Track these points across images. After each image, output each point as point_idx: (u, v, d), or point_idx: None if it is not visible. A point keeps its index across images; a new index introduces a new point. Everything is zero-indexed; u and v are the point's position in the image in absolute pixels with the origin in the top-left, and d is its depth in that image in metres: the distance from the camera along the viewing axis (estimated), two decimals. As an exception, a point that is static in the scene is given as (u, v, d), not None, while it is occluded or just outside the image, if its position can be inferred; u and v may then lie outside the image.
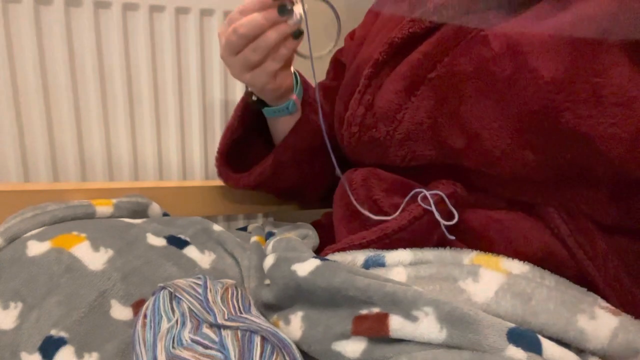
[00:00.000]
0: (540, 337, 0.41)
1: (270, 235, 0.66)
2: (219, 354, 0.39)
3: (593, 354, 0.43)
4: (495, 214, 0.52)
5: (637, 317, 0.44)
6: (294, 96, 0.63)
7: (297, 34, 0.57)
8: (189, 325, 0.42)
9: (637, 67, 0.44)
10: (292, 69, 0.66)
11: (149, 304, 0.46)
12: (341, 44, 0.80)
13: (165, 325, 0.43)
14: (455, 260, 0.49)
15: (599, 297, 0.47)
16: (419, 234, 0.51)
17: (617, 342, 0.43)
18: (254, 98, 0.68)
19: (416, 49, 0.54)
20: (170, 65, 0.85)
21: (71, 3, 0.77)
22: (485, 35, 0.49)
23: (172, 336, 0.41)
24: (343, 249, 0.55)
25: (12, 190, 0.66)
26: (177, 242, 0.59)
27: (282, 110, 0.67)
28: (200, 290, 0.47)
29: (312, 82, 0.61)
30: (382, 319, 0.42)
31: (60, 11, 0.76)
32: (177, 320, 0.43)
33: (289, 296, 0.50)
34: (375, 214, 0.54)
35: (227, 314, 0.44)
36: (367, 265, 0.52)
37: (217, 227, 0.65)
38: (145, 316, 0.45)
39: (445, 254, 0.50)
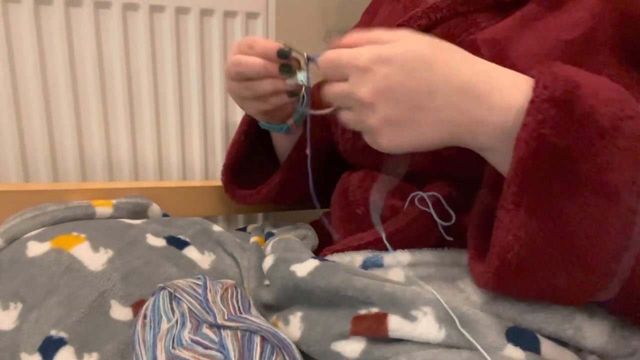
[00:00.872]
0: (539, 335, 0.41)
1: (269, 235, 0.66)
2: (218, 354, 0.39)
3: (591, 352, 0.43)
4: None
5: None
6: (290, 122, 0.60)
7: (293, 94, 0.55)
8: (188, 325, 0.43)
9: (625, 67, 0.44)
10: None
11: (149, 304, 0.46)
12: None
13: (165, 325, 0.43)
14: (454, 261, 0.50)
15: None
16: (417, 235, 0.51)
17: (615, 340, 0.43)
18: None
19: None
20: (170, 65, 0.85)
21: (71, 3, 0.77)
22: (474, 39, 0.49)
23: (172, 336, 0.41)
24: (342, 250, 0.55)
25: (12, 190, 0.66)
26: (177, 243, 0.59)
27: (277, 129, 0.65)
28: (200, 291, 0.47)
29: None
30: (381, 318, 0.43)
31: (60, 11, 0.76)
32: (177, 321, 0.43)
33: (288, 296, 0.51)
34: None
35: (227, 314, 0.44)
36: (366, 266, 0.52)
37: (216, 228, 0.65)
38: (145, 316, 0.45)
39: (444, 254, 0.50)
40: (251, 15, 0.89)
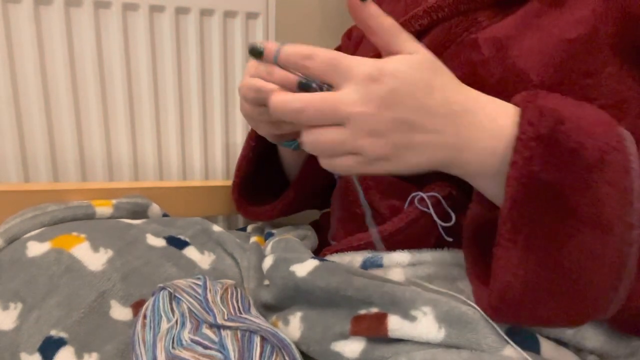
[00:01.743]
0: (538, 336, 0.41)
1: (269, 235, 0.66)
2: (218, 354, 0.39)
3: (591, 352, 0.43)
4: (493, 214, 0.52)
5: None
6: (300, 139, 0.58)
7: None
8: (188, 325, 0.43)
9: (627, 66, 0.44)
10: None
11: (149, 304, 0.46)
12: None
13: (165, 325, 0.43)
14: (454, 261, 0.50)
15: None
16: (417, 236, 0.51)
17: (614, 341, 0.43)
18: None
19: None
20: (170, 65, 0.85)
21: (71, 3, 0.77)
22: (475, 38, 0.49)
23: (172, 336, 0.41)
24: (341, 250, 0.55)
25: (12, 190, 0.66)
26: (177, 243, 0.59)
27: (288, 146, 0.62)
28: (200, 291, 0.47)
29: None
30: (381, 318, 0.43)
31: (60, 11, 0.76)
32: (176, 321, 0.43)
33: (288, 297, 0.51)
34: (372, 215, 0.54)
35: (227, 314, 0.44)
36: (365, 266, 0.52)
37: (216, 228, 0.65)
38: (145, 316, 0.45)
39: (443, 254, 0.50)
40: (251, 15, 0.89)
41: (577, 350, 0.43)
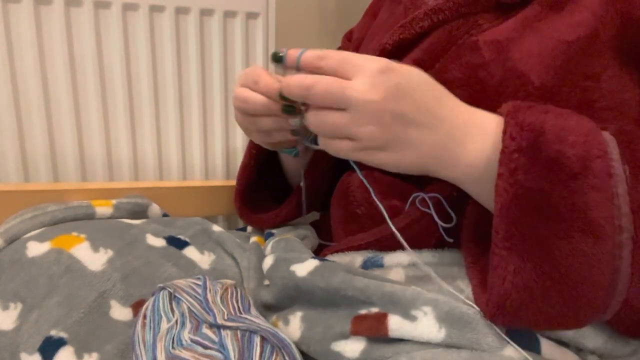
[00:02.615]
0: (539, 335, 0.41)
1: (269, 235, 0.66)
2: (218, 354, 0.39)
3: (591, 352, 0.43)
4: (491, 215, 0.52)
5: None
6: (300, 147, 0.56)
7: (297, 132, 0.51)
8: (188, 325, 0.43)
9: (626, 68, 0.44)
10: None
11: (149, 304, 0.46)
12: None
13: (165, 325, 0.43)
14: (454, 260, 0.50)
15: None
16: (418, 237, 0.51)
17: (615, 340, 0.43)
18: None
19: (407, 55, 0.54)
20: (170, 65, 0.85)
21: (71, 3, 0.77)
22: (476, 40, 0.49)
23: (172, 336, 0.41)
24: (342, 250, 0.55)
25: (12, 190, 0.66)
26: (177, 243, 0.59)
27: (287, 152, 0.61)
28: (199, 291, 0.47)
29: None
30: (381, 318, 0.43)
31: (60, 11, 0.76)
32: (176, 321, 0.43)
33: (288, 296, 0.51)
34: (372, 216, 0.54)
35: (227, 314, 0.44)
36: (366, 266, 0.52)
37: (216, 228, 0.65)
38: (145, 316, 0.45)
39: (444, 254, 0.50)
40: (251, 15, 0.89)
41: (578, 350, 0.43)
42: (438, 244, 0.51)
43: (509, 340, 0.39)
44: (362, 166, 0.61)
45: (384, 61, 0.41)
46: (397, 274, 0.50)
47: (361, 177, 0.48)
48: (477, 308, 0.41)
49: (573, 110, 0.44)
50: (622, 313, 0.39)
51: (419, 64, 0.52)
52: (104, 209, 0.62)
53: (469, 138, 0.42)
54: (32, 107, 0.78)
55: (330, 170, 0.64)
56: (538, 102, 0.45)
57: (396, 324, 0.42)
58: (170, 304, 0.46)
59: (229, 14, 0.87)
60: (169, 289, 0.47)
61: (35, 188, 0.68)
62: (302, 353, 0.46)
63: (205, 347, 0.40)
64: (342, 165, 0.61)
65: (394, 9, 0.63)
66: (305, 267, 0.49)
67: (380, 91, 0.40)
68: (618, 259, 0.37)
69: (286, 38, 0.97)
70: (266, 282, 0.57)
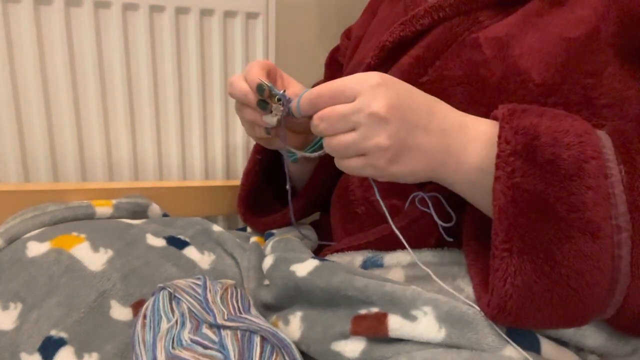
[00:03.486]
0: (539, 335, 0.41)
1: (269, 235, 0.66)
2: (218, 354, 0.39)
3: (592, 351, 0.43)
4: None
5: None
6: (299, 155, 0.54)
7: (268, 131, 0.52)
8: (188, 325, 0.43)
9: (628, 66, 0.44)
10: None
11: (149, 304, 0.46)
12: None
13: (164, 325, 0.43)
14: (454, 260, 0.49)
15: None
16: (417, 236, 0.51)
17: (615, 339, 0.43)
18: None
19: (408, 52, 0.54)
20: (170, 65, 0.85)
21: (71, 3, 0.77)
22: (477, 37, 0.49)
23: (172, 336, 0.41)
24: (342, 250, 0.55)
25: (12, 190, 0.66)
26: (177, 243, 0.59)
27: (289, 156, 0.61)
28: (199, 291, 0.47)
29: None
30: (381, 318, 0.43)
31: (60, 11, 0.76)
32: (176, 321, 0.43)
33: (288, 296, 0.51)
34: (372, 216, 0.54)
35: (227, 314, 0.44)
36: (366, 266, 0.52)
37: (216, 228, 0.65)
38: (145, 316, 0.45)
39: (443, 254, 0.50)
40: (251, 15, 0.89)
41: (578, 349, 0.43)
42: (438, 244, 0.51)
43: (509, 340, 0.39)
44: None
45: (375, 74, 0.42)
46: (397, 274, 0.50)
47: (371, 180, 0.48)
48: (477, 308, 0.41)
49: (573, 108, 0.44)
50: (622, 311, 0.39)
51: (420, 61, 0.52)
52: (104, 209, 0.62)
53: (467, 140, 0.42)
54: (32, 107, 0.78)
55: (333, 176, 0.64)
56: (539, 99, 0.45)
57: (396, 324, 0.42)
58: (170, 304, 0.46)
59: (229, 14, 0.87)
60: (169, 289, 0.47)
61: (35, 188, 0.68)
62: (302, 353, 0.46)
63: (205, 347, 0.40)
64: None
65: (394, 6, 0.63)
66: (305, 267, 0.49)
67: (383, 102, 0.40)
68: (617, 258, 0.37)
69: (286, 38, 0.97)
70: (266, 282, 0.57)
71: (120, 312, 0.50)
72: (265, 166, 0.69)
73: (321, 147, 0.47)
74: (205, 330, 0.42)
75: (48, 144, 0.80)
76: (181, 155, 0.90)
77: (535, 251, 0.37)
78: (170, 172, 0.90)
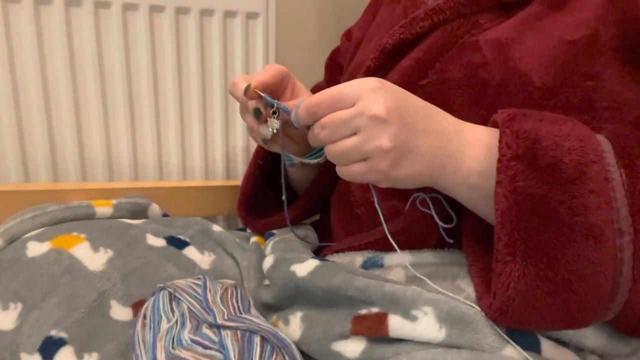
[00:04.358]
0: (539, 335, 0.41)
1: (269, 235, 0.66)
2: (218, 354, 0.39)
3: (592, 351, 0.43)
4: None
5: None
6: (297, 161, 0.54)
7: (265, 141, 0.52)
8: (188, 325, 0.43)
9: (628, 68, 0.44)
10: None
11: (149, 304, 0.46)
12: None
13: (165, 325, 0.43)
14: (454, 260, 0.49)
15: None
16: (418, 237, 0.51)
17: (615, 340, 0.43)
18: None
19: (408, 55, 0.54)
20: (170, 65, 0.85)
21: (71, 3, 0.77)
22: (477, 40, 0.49)
23: (172, 336, 0.41)
24: (342, 250, 0.55)
25: (12, 190, 0.66)
26: (177, 243, 0.59)
27: (289, 160, 0.59)
28: (199, 291, 0.47)
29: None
30: (382, 318, 0.43)
31: (60, 11, 0.76)
32: (176, 321, 0.43)
33: (288, 296, 0.51)
34: (372, 216, 0.54)
35: (227, 314, 0.44)
36: (366, 266, 0.52)
37: (216, 228, 0.65)
38: (145, 316, 0.45)
39: (444, 254, 0.50)
40: (251, 15, 0.89)
41: (578, 349, 0.43)
42: (438, 244, 0.51)
43: (509, 340, 0.39)
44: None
45: (373, 79, 0.42)
46: (397, 274, 0.50)
47: (371, 186, 0.48)
48: (478, 308, 0.41)
49: (573, 110, 0.44)
50: (624, 314, 0.39)
51: (420, 63, 0.52)
52: (104, 209, 0.62)
53: (464, 145, 0.43)
54: (32, 107, 0.78)
55: (333, 180, 0.64)
56: (539, 101, 0.45)
57: (396, 324, 0.42)
58: (170, 304, 0.46)
59: (229, 14, 0.87)
60: (169, 289, 0.47)
61: (35, 188, 0.68)
62: (302, 353, 0.46)
63: (205, 347, 0.40)
64: None
65: (394, 8, 0.63)
66: (305, 267, 0.49)
67: (383, 105, 0.40)
68: (619, 262, 0.37)
69: (286, 38, 0.97)
70: (266, 282, 0.57)
71: (120, 312, 0.50)
72: (266, 171, 0.69)
73: (321, 154, 0.47)
74: (205, 330, 0.42)
75: (48, 144, 0.80)
76: (181, 155, 0.90)
77: (539, 255, 0.37)
78: (170, 172, 0.90)
